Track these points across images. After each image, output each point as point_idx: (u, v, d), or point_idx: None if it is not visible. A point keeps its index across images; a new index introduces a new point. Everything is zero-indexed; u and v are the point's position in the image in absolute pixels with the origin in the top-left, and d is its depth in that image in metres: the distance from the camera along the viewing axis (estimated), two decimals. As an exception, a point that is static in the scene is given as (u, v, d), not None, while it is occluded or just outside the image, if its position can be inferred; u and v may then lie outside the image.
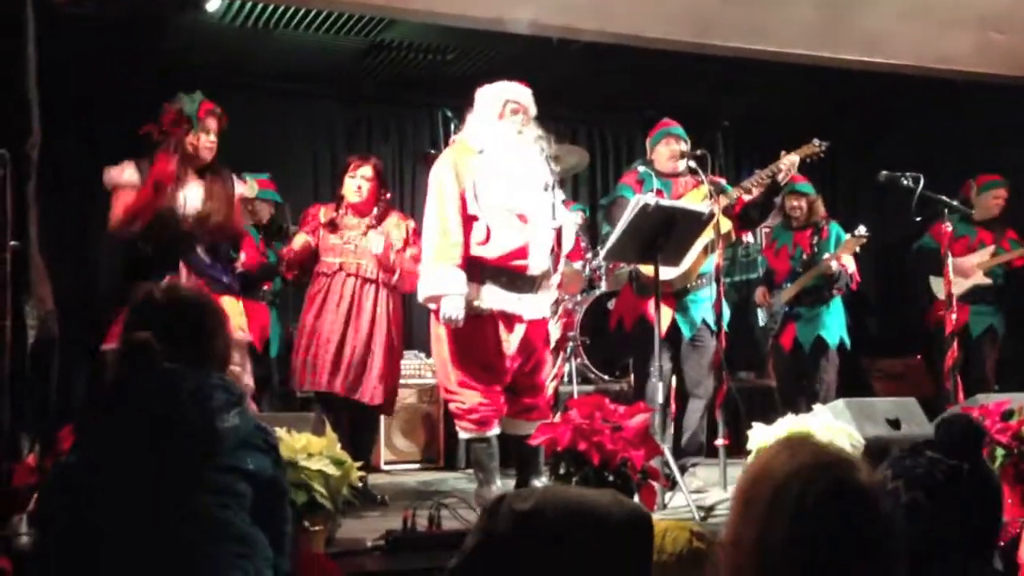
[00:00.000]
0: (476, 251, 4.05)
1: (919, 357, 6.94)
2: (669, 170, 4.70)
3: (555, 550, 1.38)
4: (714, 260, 4.52)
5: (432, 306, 4.12)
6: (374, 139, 7.03)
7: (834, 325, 5.67)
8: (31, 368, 3.20)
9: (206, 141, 4.12)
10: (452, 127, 6.25)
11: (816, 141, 4.60)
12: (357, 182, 4.58)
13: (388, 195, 4.81)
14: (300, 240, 4.60)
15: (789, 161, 4.50)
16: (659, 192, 4.53)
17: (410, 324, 6.83)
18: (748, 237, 5.98)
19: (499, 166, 4.09)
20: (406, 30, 5.91)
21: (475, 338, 4.06)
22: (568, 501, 1.42)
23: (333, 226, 4.60)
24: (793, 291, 5.70)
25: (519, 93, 4.19)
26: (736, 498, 1.51)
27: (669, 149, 4.70)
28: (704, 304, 4.62)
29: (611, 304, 6.10)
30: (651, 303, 4.37)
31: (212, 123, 4.13)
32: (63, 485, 1.98)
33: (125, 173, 4.06)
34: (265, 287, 5.55)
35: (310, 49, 6.17)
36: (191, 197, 4.06)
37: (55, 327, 3.31)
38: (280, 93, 6.60)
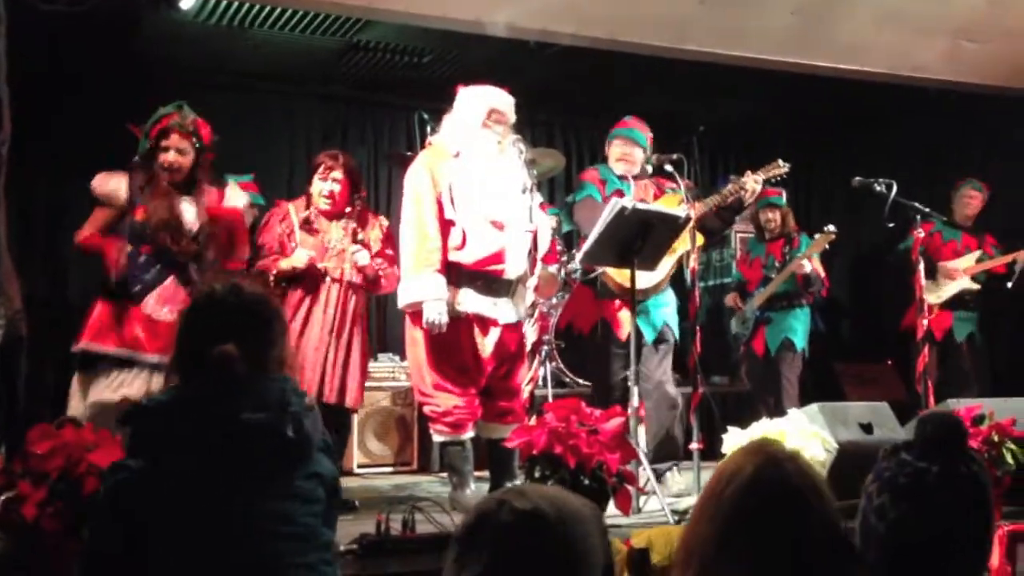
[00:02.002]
0: (452, 256, 4.04)
1: (890, 362, 7.00)
2: (621, 171, 4.71)
3: (562, 546, 1.39)
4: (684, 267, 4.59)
5: (409, 311, 4.10)
6: (350, 140, 6.99)
7: (800, 329, 5.73)
8: (-1, 368, 3.15)
9: (163, 159, 3.97)
10: (428, 129, 6.26)
11: (780, 162, 4.69)
12: (328, 186, 4.37)
13: (364, 193, 4.65)
14: (303, 257, 4.27)
15: (753, 183, 4.58)
16: (619, 193, 4.54)
17: (384, 327, 6.83)
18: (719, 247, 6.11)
19: (475, 171, 4.07)
20: (383, 31, 5.89)
21: (451, 341, 4.04)
22: (554, 497, 1.43)
23: (308, 226, 4.40)
24: (766, 295, 5.75)
25: (503, 102, 4.17)
26: (702, 492, 1.60)
27: (618, 151, 4.73)
28: (664, 308, 4.65)
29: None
30: (613, 307, 4.41)
31: (172, 140, 3.98)
32: (130, 489, 1.88)
33: (110, 185, 3.96)
34: None
35: (286, 49, 6.13)
36: (186, 214, 3.98)
37: (23, 326, 3.25)
38: (256, 92, 6.55)
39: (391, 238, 4.45)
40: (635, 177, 4.72)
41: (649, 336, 4.60)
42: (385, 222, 4.63)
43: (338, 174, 4.41)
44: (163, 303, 3.91)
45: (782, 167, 4.70)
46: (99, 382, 3.85)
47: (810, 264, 5.60)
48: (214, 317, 2.05)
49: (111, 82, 5.68)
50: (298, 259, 4.29)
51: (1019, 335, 6.79)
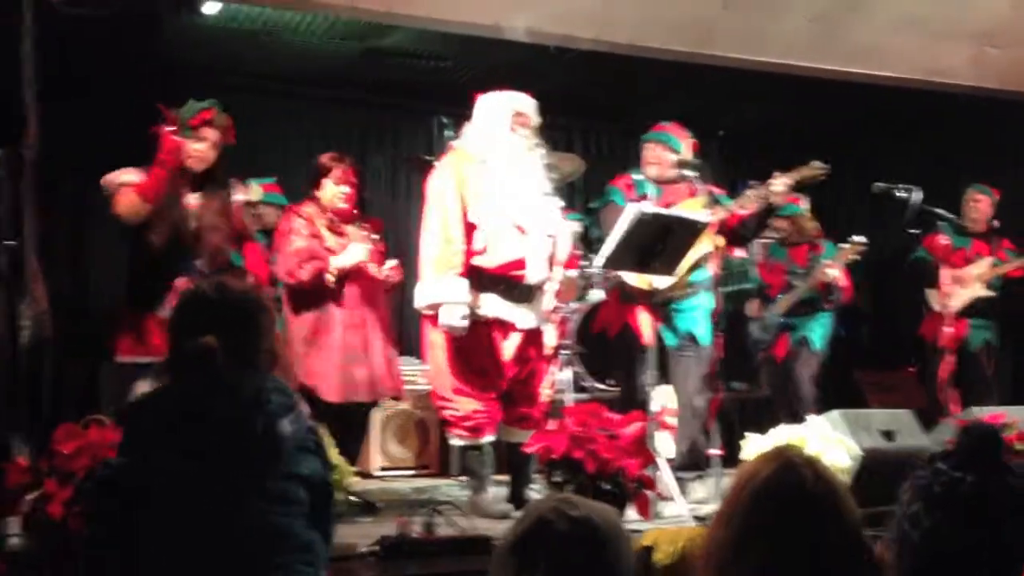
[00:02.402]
0: (474, 260, 4.04)
1: (912, 369, 6.96)
2: (654, 176, 4.68)
3: (615, 555, 1.41)
4: (704, 270, 4.52)
5: (429, 312, 4.10)
6: (369, 144, 7.02)
7: (819, 330, 5.69)
8: (24, 368, 3.17)
9: (192, 150, 3.99)
10: (447, 134, 6.27)
11: (815, 163, 4.45)
12: (346, 190, 4.42)
13: (367, 196, 4.82)
14: (362, 250, 4.33)
15: (782, 184, 4.42)
16: (647, 197, 4.53)
17: (405, 330, 6.84)
18: (740, 252, 6.00)
19: (500, 176, 4.08)
20: (403, 36, 5.91)
21: (471, 345, 4.04)
22: (597, 507, 1.46)
23: (335, 229, 4.43)
24: (789, 302, 5.72)
25: (526, 105, 4.18)
26: (724, 497, 1.60)
27: (651, 155, 4.69)
28: (690, 314, 4.60)
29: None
30: (636, 312, 4.39)
31: (208, 132, 4.00)
32: (112, 488, 1.92)
33: (126, 175, 3.98)
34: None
35: (306, 54, 6.16)
36: (189, 214, 4.00)
37: (49, 327, 3.29)
38: (276, 97, 6.58)
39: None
40: (667, 181, 4.66)
41: (670, 341, 4.57)
42: (379, 221, 4.77)
43: (352, 177, 4.48)
44: None
45: (818, 169, 4.44)
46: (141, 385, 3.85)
47: (835, 270, 5.56)
48: (198, 313, 2.07)
49: (134, 85, 5.71)
50: (359, 252, 4.33)
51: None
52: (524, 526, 1.42)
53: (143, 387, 3.79)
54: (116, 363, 3.94)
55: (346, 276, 4.34)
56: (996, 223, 5.99)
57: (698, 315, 4.57)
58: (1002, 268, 5.90)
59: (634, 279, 4.48)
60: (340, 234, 4.43)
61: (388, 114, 7.11)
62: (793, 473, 1.51)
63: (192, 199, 4.03)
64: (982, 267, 5.93)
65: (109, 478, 1.96)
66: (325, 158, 4.54)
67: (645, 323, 4.34)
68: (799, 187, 4.59)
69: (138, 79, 5.69)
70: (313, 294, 4.33)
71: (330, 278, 4.27)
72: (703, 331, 4.58)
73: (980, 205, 6.05)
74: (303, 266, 4.28)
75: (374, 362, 4.38)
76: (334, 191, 4.43)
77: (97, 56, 5.53)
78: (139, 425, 1.99)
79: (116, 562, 1.88)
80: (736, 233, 4.64)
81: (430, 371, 4.29)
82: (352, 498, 3.85)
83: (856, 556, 1.50)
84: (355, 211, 4.52)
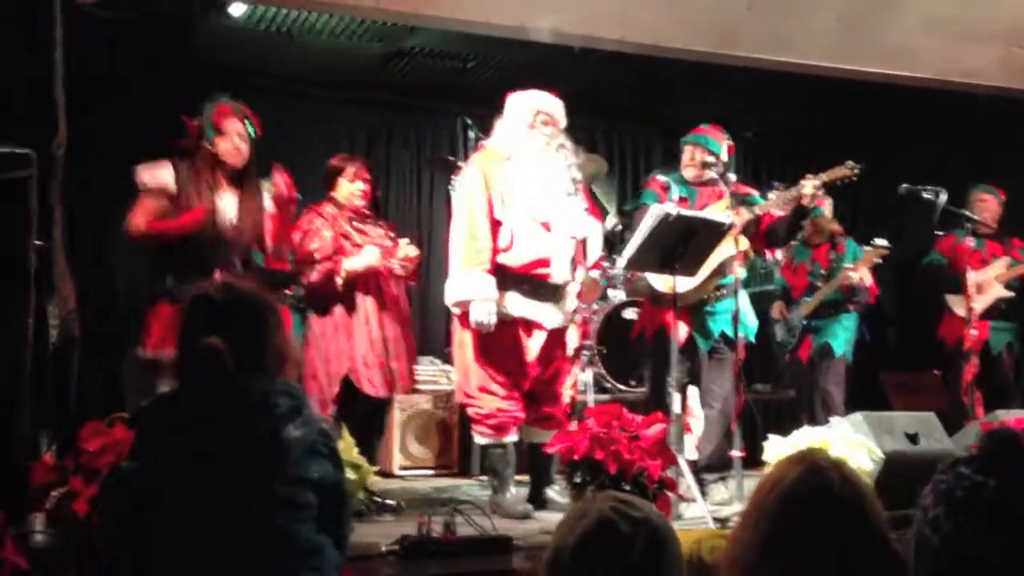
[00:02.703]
0: (500, 258, 4.08)
1: (936, 372, 6.90)
2: (691, 178, 4.67)
3: (668, 553, 1.44)
4: (737, 272, 4.49)
5: (457, 311, 4.13)
6: (394, 144, 7.04)
7: (842, 334, 5.65)
8: (52, 367, 3.21)
9: (225, 145, 4.02)
10: (472, 134, 6.29)
11: (850, 164, 4.41)
12: (361, 186, 4.52)
13: (379, 194, 4.89)
14: (376, 253, 4.39)
15: (813, 185, 4.36)
16: (683, 200, 4.51)
17: (426, 330, 6.86)
18: (778, 254, 5.96)
19: (525, 174, 4.11)
20: (427, 37, 5.92)
21: (497, 344, 4.09)
22: (647, 506, 1.49)
23: (360, 227, 4.52)
24: (813, 304, 5.69)
25: (550, 104, 4.21)
26: (749, 500, 1.60)
27: (687, 158, 4.68)
28: (723, 316, 4.57)
29: (627, 313, 6.11)
30: (668, 314, 4.35)
31: (233, 125, 4.04)
32: (123, 490, 1.92)
33: (159, 175, 3.98)
34: (287, 291, 5.49)
35: (332, 55, 6.19)
36: (227, 206, 4.02)
37: (76, 326, 3.32)
38: (301, 98, 6.61)
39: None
40: (704, 183, 4.63)
41: (703, 344, 4.54)
42: (391, 224, 4.89)
43: (365, 174, 4.57)
44: None
45: (851, 169, 4.38)
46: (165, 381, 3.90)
47: (857, 274, 5.52)
48: (206, 315, 2.06)
49: (161, 86, 5.77)
50: (371, 256, 4.38)
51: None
52: (585, 527, 1.39)
53: (167, 383, 3.85)
54: (141, 358, 3.96)
55: (357, 279, 4.39)
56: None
57: (731, 317, 4.54)
58: (1019, 268, 5.84)
59: (658, 282, 4.47)
60: (362, 232, 4.51)
61: (412, 115, 7.13)
62: (820, 476, 1.51)
63: (229, 195, 4.05)
64: (999, 268, 5.88)
65: (121, 480, 1.96)
66: (336, 159, 4.67)
67: (678, 325, 4.33)
68: (830, 188, 4.54)
69: (165, 80, 5.75)
70: (328, 294, 4.40)
71: (339, 280, 4.34)
72: (740, 333, 4.54)
73: (987, 205, 5.98)
74: (315, 267, 4.37)
75: (391, 358, 4.44)
76: (350, 189, 4.52)
77: (125, 58, 5.59)
78: (150, 427, 2.00)
79: (129, 563, 1.89)
80: (768, 235, 4.61)
81: (457, 369, 4.33)
82: (375, 498, 3.86)
83: (882, 559, 1.50)
84: (371, 211, 4.62)
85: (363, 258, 4.37)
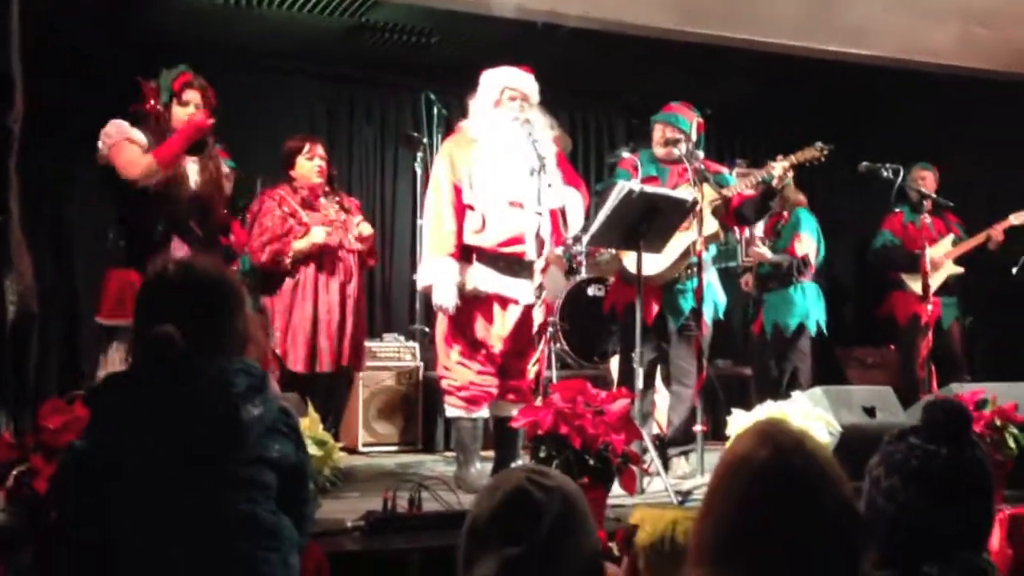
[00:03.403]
0: (473, 239, 4.14)
1: (892, 347, 7.02)
2: (661, 156, 4.69)
3: (580, 518, 1.48)
4: (710, 250, 4.54)
5: (426, 291, 4.22)
6: (356, 120, 6.99)
7: (785, 309, 5.65)
8: (10, 344, 3.16)
9: (182, 114, 4.02)
10: (435, 110, 6.25)
11: (819, 144, 4.46)
12: (317, 164, 4.64)
13: (335, 171, 4.97)
14: (321, 234, 4.52)
15: (782, 167, 4.42)
16: (653, 179, 4.54)
17: (390, 307, 6.85)
18: (746, 232, 6.00)
19: (494, 154, 4.13)
20: (390, 11, 5.87)
21: (472, 319, 4.16)
22: (559, 475, 1.53)
23: (310, 205, 4.62)
24: (753, 276, 5.79)
25: (519, 80, 4.21)
26: (708, 483, 1.61)
27: (657, 136, 4.69)
28: (693, 294, 4.60)
29: (592, 290, 6.15)
30: (640, 292, 4.39)
31: (192, 96, 4.03)
32: (76, 470, 1.88)
33: (133, 130, 3.94)
34: (233, 267, 5.45)
35: (293, 28, 6.11)
36: (188, 173, 4.00)
37: (35, 303, 3.27)
38: (261, 72, 6.53)
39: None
40: (674, 162, 4.63)
41: (673, 321, 4.58)
42: (356, 201, 4.98)
43: (321, 151, 4.69)
44: None
45: (820, 150, 4.43)
46: (114, 356, 3.87)
47: (762, 249, 5.56)
48: (164, 297, 2.02)
49: (118, 59, 5.67)
50: (317, 236, 4.53)
51: (1011, 319, 6.81)
52: (501, 496, 1.44)
53: (119, 350, 3.82)
54: (96, 325, 3.94)
55: (306, 258, 4.52)
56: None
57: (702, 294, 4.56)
58: (967, 244, 5.96)
59: (632, 263, 4.48)
60: (315, 209, 4.60)
61: (375, 90, 7.07)
62: (784, 459, 1.52)
63: (190, 163, 4.03)
64: (947, 245, 5.99)
65: (75, 458, 1.91)
66: (293, 139, 4.79)
67: (648, 303, 4.37)
68: (799, 168, 4.57)
69: (123, 53, 5.65)
70: (277, 274, 4.55)
71: (286, 261, 4.48)
72: (706, 310, 4.57)
73: (926, 182, 6.06)
74: (264, 248, 4.51)
75: (345, 335, 4.56)
76: (308, 166, 4.63)
77: (81, 30, 5.49)
78: (103, 406, 1.95)
79: (83, 542, 1.85)
80: (738, 214, 4.65)
81: (437, 341, 4.39)
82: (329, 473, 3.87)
83: (851, 524, 1.52)
84: (328, 187, 4.72)
85: (310, 237, 4.51)
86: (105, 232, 4.05)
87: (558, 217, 4.28)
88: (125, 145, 3.91)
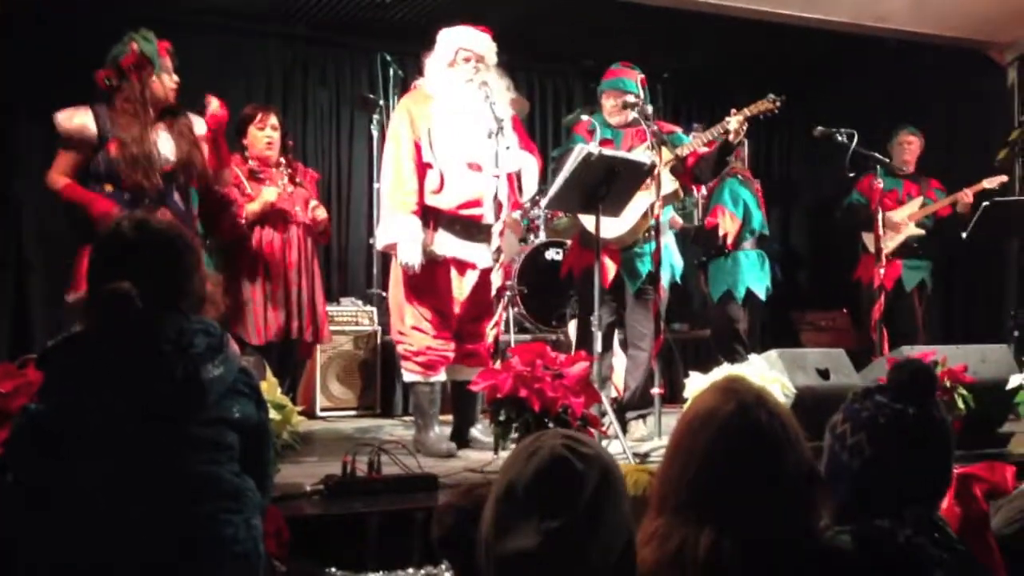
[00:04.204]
0: (430, 200, 4.09)
1: (845, 311, 7.13)
2: (615, 122, 4.68)
3: (618, 487, 1.45)
4: (666, 212, 4.53)
5: (393, 253, 4.14)
6: (311, 81, 6.87)
7: (737, 278, 5.64)
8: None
9: (170, 82, 3.95)
10: (391, 72, 6.17)
11: (771, 96, 4.46)
12: (267, 134, 4.52)
13: (291, 143, 4.85)
14: (272, 193, 4.41)
15: (737, 120, 4.39)
16: (608, 142, 4.52)
17: (347, 271, 6.80)
18: (703, 191, 6.02)
19: (451, 114, 4.09)
20: (345, -30, 5.77)
21: (429, 283, 4.13)
22: (594, 442, 1.53)
23: (256, 176, 4.52)
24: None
25: (472, 40, 4.16)
26: (670, 436, 1.65)
27: (609, 104, 4.68)
28: (650, 257, 4.60)
29: (550, 254, 6.14)
30: (598, 255, 4.39)
31: (170, 62, 3.97)
32: (32, 433, 1.85)
33: (76, 120, 3.83)
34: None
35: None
36: (162, 145, 3.90)
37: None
38: (214, 31, 6.37)
39: (315, 189, 4.75)
40: (627, 125, 4.63)
41: (631, 285, 4.59)
42: (314, 173, 4.89)
43: (274, 121, 4.57)
44: None
45: (772, 101, 4.43)
46: None
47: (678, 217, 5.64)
48: (118, 253, 1.98)
49: (60, 21, 5.52)
50: (269, 195, 4.41)
51: (974, 283, 6.95)
52: (539, 463, 1.39)
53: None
54: (70, 302, 3.83)
55: (260, 220, 4.41)
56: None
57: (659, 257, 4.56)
58: (932, 207, 6.03)
59: (593, 226, 4.47)
60: (263, 181, 4.51)
61: (330, 51, 6.95)
62: (748, 414, 1.55)
63: (163, 132, 3.94)
64: (913, 207, 6.07)
65: (29, 421, 1.88)
66: (248, 107, 4.68)
67: (606, 266, 4.37)
68: (752, 121, 4.53)
69: (66, 13, 5.50)
70: (234, 242, 4.41)
71: (240, 223, 4.37)
72: (664, 273, 4.56)
73: (912, 147, 6.15)
74: (219, 216, 4.37)
75: (293, 305, 4.44)
76: (258, 136, 4.54)
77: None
78: (58, 368, 1.92)
79: (41, 507, 1.83)
80: (694, 172, 4.64)
81: (391, 306, 4.35)
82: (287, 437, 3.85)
83: (810, 480, 1.56)
84: (281, 158, 4.60)
85: (262, 197, 4.41)
86: (72, 217, 3.91)
87: (514, 181, 4.26)
88: (59, 153, 3.88)
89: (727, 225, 5.57)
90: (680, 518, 1.55)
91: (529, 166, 4.32)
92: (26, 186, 5.48)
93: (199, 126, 4.06)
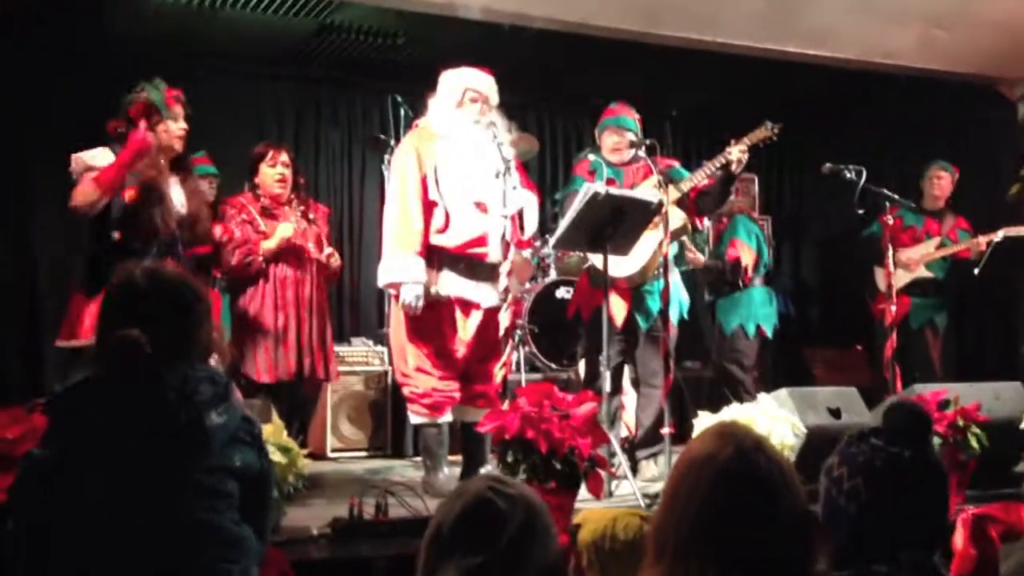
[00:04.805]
0: (435, 239, 4.10)
1: (859, 347, 7.08)
2: (616, 160, 4.70)
3: (542, 526, 1.48)
4: (674, 248, 4.54)
5: (392, 292, 4.14)
6: (323, 123, 6.94)
7: (731, 309, 5.72)
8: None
9: (176, 129, 3.97)
10: (402, 113, 6.23)
11: (768, 124, 4.48)
12: (279, 171, 4.57)
13: (303, 180, 4.89)
14: (288, 229, 4.47)
15: (739, 150, 4.41)
16: (611, 181, 4.53)
17: (358, 311, 6.81)
18: (706, 222, 6.02)
19: (458, 153, 4.11)
20: (356, 12, 5.83)
21: (432, 324, 4.12)
22: (519, 483, 1.56)
23: (269, 214, 4.57)
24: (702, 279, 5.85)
25: (479, 81, 4.20)
26: (666, 482, 1.65)
27: (612, 141, 4.69)
28: (660, 295, 4.59)
29: (559, 292, 6.14)
30: (607, 295, 4.38)
31: (179, 110, 3.99)
32: (36, 479, 1.86)
33: (98, 159, 3.84)
34: (216, 274, 5.41)
35: (258, 30, 6.06)
36: (175, 195, 3.92)
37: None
38: (228, 75, 6.47)
39: (326, 224, 4.82)
40: (628, 163, 4.65)
41: (642, 324, 4.57)
42: (325, 208, 4.96)
43: (285, 159, 4.62)
44: None
45: (769, 129, 4.45)
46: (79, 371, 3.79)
47: (693, 256, 5.63)
48: (130, 303, 2.01)
49: (79, 62, 5.60)
50: (285, 231, 4.47)
51: (986, 322, 6.90)
52: (464, 504, 1.44)
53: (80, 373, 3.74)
54: (70, 347, 3.81)
55: (276, 257, 4.47)
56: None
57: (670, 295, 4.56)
58: (948, 249, 5.98)
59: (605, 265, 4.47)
60: (275, 218, 4.55)
61: (342, 92, 7.03)
62: (747, 459, 1.55)
63: (175, 184, 3.96)
64: (929, 247, 6.03)
65: (33, 467, 1.89)
66: (260, 145, 4.74)
67: (616, 306, 4.36)
68: (754, 149, 4.55)
69: (85, 58, 5.59)
70: (247, 278, 4.48)
71: (258, 260, 4.43)
72: (673, 311, 4.56)
73: (942, 183, 6.12)
74: (234, 252, 4.45)
75: (304, 342, 4.49)
76: (270, 174, 4.57)
77: (41, 32, 5.41)
78: (63, 414, 1.93)
79: (42, 553, 1.83)
80: (697, 205, 4.65)
81: (393, 348, 4.35)
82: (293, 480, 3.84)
83: (806, 525, 1.55)
84: (293, 195, 4.65)
85: (278, 233, 4.46)
86: (84, 257, 3.91)
87: (515, 219, 4.27)
88: (83, 179, 3.80)
89: (747, 258, 5.61)
90: (680, 565, 1.53)
91: (531, 205, 4.33)
92: (41, 233, 5.53)
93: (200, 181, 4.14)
